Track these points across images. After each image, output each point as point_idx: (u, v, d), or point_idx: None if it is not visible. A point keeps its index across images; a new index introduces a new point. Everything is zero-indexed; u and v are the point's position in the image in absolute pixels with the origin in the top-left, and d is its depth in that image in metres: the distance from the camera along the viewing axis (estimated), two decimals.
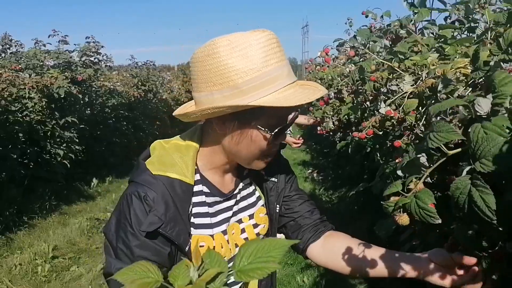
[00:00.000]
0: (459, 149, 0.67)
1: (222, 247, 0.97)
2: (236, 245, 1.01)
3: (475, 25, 1.60)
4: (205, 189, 0.97)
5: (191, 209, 0.93)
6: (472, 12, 1.47)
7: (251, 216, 1.05)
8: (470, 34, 1.59)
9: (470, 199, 0.61)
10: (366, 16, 2.28)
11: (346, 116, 2.32)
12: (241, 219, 1.03)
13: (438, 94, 0.97)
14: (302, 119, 3.53)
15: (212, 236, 0.96)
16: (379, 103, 1.61)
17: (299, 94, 0.88)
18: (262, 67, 0.84)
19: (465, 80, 1.04)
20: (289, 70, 0.89)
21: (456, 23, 1.77)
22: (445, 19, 1.95)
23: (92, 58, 6.38)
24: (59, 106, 5.53)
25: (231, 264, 0.95)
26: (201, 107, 0.88)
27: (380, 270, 0.96)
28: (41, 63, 5.69)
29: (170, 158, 0.92)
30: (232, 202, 1.02)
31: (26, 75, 5.10)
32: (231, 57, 0.83)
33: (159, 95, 9.97)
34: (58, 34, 6.13)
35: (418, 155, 0.73)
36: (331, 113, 2.62)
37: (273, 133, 0.89)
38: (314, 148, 9.63)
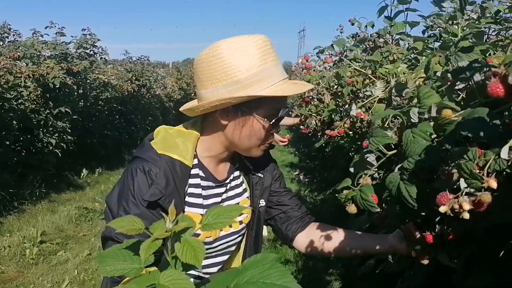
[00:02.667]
0: (395, 151, 0.80)
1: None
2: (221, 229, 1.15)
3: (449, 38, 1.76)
4: (201, 173, 1.08)
5: (187, 189, 1.05)
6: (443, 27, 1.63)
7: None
8: (437, 48, 1.75)
9: (398, 190, 0.75)
10: (352, 24, 2.44)
11: (327, 117, 2.48)
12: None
13: (393, 97, 1.11)
14: (287, 120, 3.68)
15: (202, 215, 1.09)
16: (351, 106, 1.77)
17: (293, 87, 1.03)
18: (260, 65, 0.98)
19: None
20: (282, 68, 1.05)
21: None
22: (423, 32, 2.11)
23: (88, 51, 6.47)
24: (53, 96, 5.62)
25: (215, 244, 1.08)
26: (208, 101, 1.00)
27: (355, 250, 1.17)
28: (38, 53, 5.77)
29: (173, 141, 1.04)
30: (222, 189, 1.13)
31: (23, 64, 5.18)
32: (233, 57, 0.97)
33: (153, 90, 10.01)
34: (55, 26, 6.22)
35: (366, 155, 0.87)
36: (314, 112, 2.77)
37: (271, 122, 1.03)
38: (302, 151, 9.80)
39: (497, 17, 1.74)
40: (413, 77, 1.35)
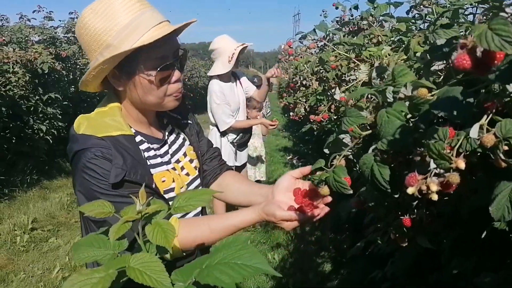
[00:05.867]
0: (370, 131, 0.80)
1: (174, 181, 1.10)
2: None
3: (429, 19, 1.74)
4: (143, 139, 1.08)
5: (144, 154, 1.05)
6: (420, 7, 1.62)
7: (185, 155, 1.20)
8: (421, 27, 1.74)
9: (372, 172, 0.74)
10: (336, 8, 2.42)
11: (314, 102, 2.47)
12: (178, 159, 1.17)
13: (373, 81, 1.10)
14: (255, 94, 3.68)
15: (168, 170, 1.10)
16: (335, 90, 1.76)
17: (164, 31, 0.96)
18: (122, 20, 0.94)
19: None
20: (152, 14, 0.98)
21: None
22: (407, 12, 2.09)
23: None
24: (42, 82, 5.55)
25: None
26: (87, 71, 0.99)
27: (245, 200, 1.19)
28: (26, 38, 5.68)
29: (103, 122, 1.00)
30: (166, 147, 1.14)
31: (10, 49, 5.11)
32: (96, 22, 0.95)
33: None
34: (43, 10, 6.12)
35: (341, 136, 0.86)
36: (303, 99, 2.77)
37: (155, 75, 0.98)
38: (297, 135, 9.81)
39: None
40: (395, 59, 1.34)
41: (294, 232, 3.79)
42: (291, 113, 3.02)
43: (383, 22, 1.89)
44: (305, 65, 2.10)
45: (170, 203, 1.04)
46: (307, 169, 1.05)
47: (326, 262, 3.39)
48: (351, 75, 1.76)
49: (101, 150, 0.94)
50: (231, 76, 3.43)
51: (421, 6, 2.03)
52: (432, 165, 0.60)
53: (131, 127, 1.05)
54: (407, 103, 0.76)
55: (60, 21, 6.35)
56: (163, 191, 1.06)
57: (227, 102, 3.31)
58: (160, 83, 1.00)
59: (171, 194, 1.08)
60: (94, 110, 1.06)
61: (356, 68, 1.70)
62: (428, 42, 0.96)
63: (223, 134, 3.46)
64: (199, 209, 1.19)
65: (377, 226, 1.92)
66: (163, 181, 1.07)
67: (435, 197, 0.59)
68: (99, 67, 0.96)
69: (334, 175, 0.78)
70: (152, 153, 1.09)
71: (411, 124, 0.76)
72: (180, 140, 1.21)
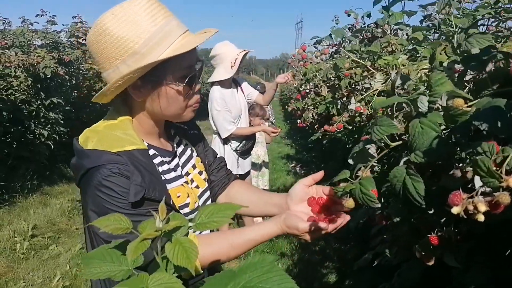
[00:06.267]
0: (400, 142, 0.75)
1: (188, 196, 1.05)
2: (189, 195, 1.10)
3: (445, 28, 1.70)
4: (156, 152, 1.02)
5: (158, 169, 0.99)
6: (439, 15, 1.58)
7: (194, 166, 1.14)
8: (442, 37, 1.70)
9: (404, 186, 0.69)
10: (348, 15, 2.38)
11: (324, 110, 2.43)
12: (187, 171, 1.11)
13: (396, 90, 1.06)
14: (261, 97, 3.65)
15: (182, 185, 1.05)
16: (351, 99, 1.72)
17: (194, 38, 0.94)
18: (150, 28, 0.89)
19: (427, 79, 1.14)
20: (178, 23, 0.94)
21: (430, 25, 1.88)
22: (421, 22, 2.06)
23: (80, 40, 6.35)
24: (45, 87, 5.52)
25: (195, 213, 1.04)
26: (112, 81, 0.92)
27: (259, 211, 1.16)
28: (28, 42, 5.66)
29: (115, 136, 0.94)
30: (176, 160, 1.09)
31: (12, 53, 5.08)
32: (120, 28, 0.89)
33: None
34: (46, 14, 6.10)
35: (367, 146, 0.82)
36: (311, 106, 2.72)
37: (184, 84, 0.94)
38: (299, 142, 9.76)
39: (496, 7, 1.69)
40: (414, 68, 1.30)
41: (298, 242, 3.73)
42: (298, 120, 2.98)
43: (398, 30, 1.85)
44: (316, 72, 2.06)
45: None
46: (319, 175, 1.02)
47: (331, 273, 3.33)
48: (364, 83, 1.72)
49: (118, 167, 0.88)
50: (232, 83, 3.39)
51: (435, 16, 2.00)
52: (478, 182, 0.56)
53: (143, 140, 1.00)
54: (441, 113, 0.72)
55: (63, 25, 6.35)
56: (178, 207, 1.01)
57: (228, 108, 3.27)
58: (186, 93, 0.97)
59: (186, 210, 1.04)
60: (99, 123, 0.99)
61: (370, 76, 1.66)
62: (457, 51, 0.92)
63: (226, 141, 3.41)
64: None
65: (383, 237, 1.87)
66: (178, 197, 1.02)
67: (481, 218, 0.54)
68: (128, 76, 0.89)
69: (361, 187, 0.74)
70: (165, 167, 1.04)
71: (444, 136, 0.71)
72: (188, 152, 1.16)
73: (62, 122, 5.67)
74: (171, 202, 0.97)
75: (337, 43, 1.89)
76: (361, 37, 1.85)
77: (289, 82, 3.59)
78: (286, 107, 11.51)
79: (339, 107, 2.20)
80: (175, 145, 1.13)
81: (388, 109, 0.76)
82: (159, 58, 0.88)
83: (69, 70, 6.03)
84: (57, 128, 5.60)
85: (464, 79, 0.90)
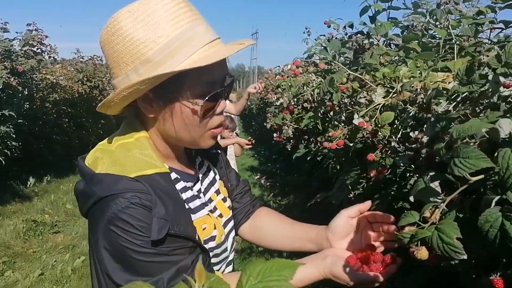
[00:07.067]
0: (482, 176, 0.62)
1: (215, 227, 0.91)
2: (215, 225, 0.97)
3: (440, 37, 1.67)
4: (178, 176, 0.88)
5: (182, 196, 0.85)
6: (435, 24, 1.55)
7: (217, 192, 1.00)
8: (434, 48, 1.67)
9: (503, 233, 0.57)
10: (329, 26, 2.33)
11: (306, 125, 2.35)
12: (210, 198, 0.97)
13: (433, 107, 0.98)
14: (231, 107, 3.56)
15: (208, 214, 0.90)
16: (343, 114, 1.65)
17: (222, 50, 0.78)
18: (171, 32, 0.75)
19: (445, 94, 1.07)
20: (206, 28, 0.79)
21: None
22: (402, 32, 2.04)
23: (35, 49, 5.96)
24: None
25: (222, 247, 0.92)
26: (116, 91, 0.78)
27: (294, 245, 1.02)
28: None
29: (132, 157, 0.79)
30: (199, 184, 0.95)
31: None
32: (135, 29, 0.75)
33: (106, 92, 9.54)
34: None
35: (433, 182, 0.68)
36: (291, 121, 2.65)
37: (202, 104, 0.78)
38: (263, 154, 9.70)
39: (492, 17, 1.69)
40: (428, 80, 1.24)
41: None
42: (274, 134, 2.91)
43: (389, 41, 1.81)
44: (304, 87, 1.98)
45: (210, 254, 0.87)
46: (365, 205, 0.90)
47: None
48: (360, 97, 1.66)
49: (138, 196, 0.74)
50: None
51: (417, 26, 1.99)
52: None
53: (163, 162, 0.85)
54: None
55: (16, 33, 5.92)
56: (203, 241, 0.86)
57: None
58: (204, 114, 0.80)
59: (211, 244, 0.88)
60: (110, 140, 0.84)
61: (368, 90, 1.60)
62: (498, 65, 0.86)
63: None
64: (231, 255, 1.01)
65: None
66: (204, 229, 0.87)
67: None
68: (134, 87, 0.75)
69: (440, 233, 0.60)
70: (189, 193, 0.88)
71: None
72: (211, 175, 1.01)
73: (14, 136, 5.26)
74: (197, 237, 0.82)
75: (331, 56, 1.82)
76: (354, 49, 1.79)
77: (259, 91, 3.52)
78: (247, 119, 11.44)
79: (326, 123, 2.13)
80: (196, 167, 0.98)
81: (462, 135, 0.64)
82: (174, 69, 0.74)
83: (22, 80, 5.63)
84: (8, 142, 5.19)
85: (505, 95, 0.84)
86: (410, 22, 1.98)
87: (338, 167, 2.21)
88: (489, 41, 1.74)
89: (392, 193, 1.51)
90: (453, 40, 1.48)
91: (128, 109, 0.84)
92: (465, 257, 0.59)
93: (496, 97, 0.83)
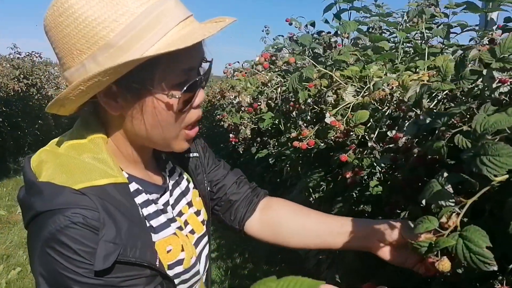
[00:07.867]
0: (506, 176, 0.54)
1: (183, 249, 0.77)
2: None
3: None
4: (140, 187, 0.74)
5: (142, 212, 0.70)
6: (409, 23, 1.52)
7: (190, 204, 0.86)
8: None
9: None
10: (290, 24, 2.26)
11: (267, 125, 2.26)
12: (180, 211, 0.83)
13: (424, 102, 0.91)
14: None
15: (175, 233, 0.75)
16: (309, 114, 1.57)
17: (200, 30, 0.66)
18: (135, 8, 0.61)
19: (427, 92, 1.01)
20: (176, 2, 0.66)
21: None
22: (368, 29, 2.01)
23: None
24: None
25: (193, 270, 0.77)
26: (71, 85, 0.64)
27: (325, 241, 0.86)
28: None
29: (81, 162, 0.66)
30: (167, 196, 0.81)
31: None
32: (90, 6, 0.61)
33: (44, 91, 8.99)
34: None
35: (448, 184, 0.59)
36: (249, 120, 2.54)
37: (180, 96, 0.66)
38: None
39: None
40: (406, 78, 1.18)
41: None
42: (230, 135, 2.80)
43: (356, 40, 1.76)
44: (264, 86, 1.88)
45: (176, 281, 0.73)
46: None
47: None
48: (328, 96, 1.59)
49: (83, 214, 0.59)
50: None
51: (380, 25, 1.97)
52: None
53: (121, 170, 0.71)
54: None
55: None
56: (168, 266, 0.71)
57: None
58: (181, 108, 0.68)
59: (178, 269, 0.73)
60: (60, 140, 0.69)
61: (338, 88, 1.53)
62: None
63: None
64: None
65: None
66: (169, 251, 0.72)
67: None
68: (95, 80, 0.61)
69: (466, 242, 0.52)
70: (152, 208, 0.73)
71: None
72: (183, 184, 0.86)
73: None
74: (157, 263, 0.67)
75: (301, 51, 1.74)
76: (324, 45, 1.72)
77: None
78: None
79: (288, 122, 2.05)
80: (167, 174, 0.83)
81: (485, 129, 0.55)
82: (144, 55, 0.61)
83: None
84: None
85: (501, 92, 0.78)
86: (371, 24, 1.97)
87: (299, 169, 2.14)
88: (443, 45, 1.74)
89: (354, 196, 1.45)
90: (420, 42, 1.45)
91: (84, 106, 0.69)
92: (496, 268, 0.51)
93: (497, 93, 0.77)
